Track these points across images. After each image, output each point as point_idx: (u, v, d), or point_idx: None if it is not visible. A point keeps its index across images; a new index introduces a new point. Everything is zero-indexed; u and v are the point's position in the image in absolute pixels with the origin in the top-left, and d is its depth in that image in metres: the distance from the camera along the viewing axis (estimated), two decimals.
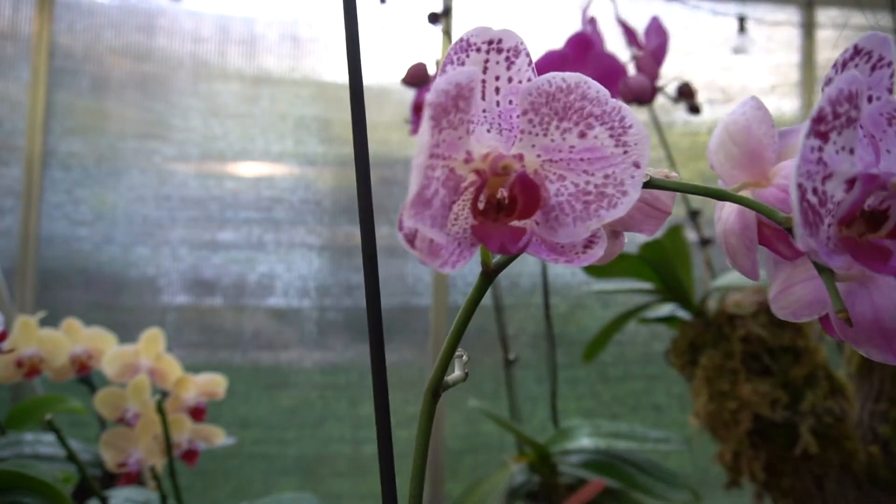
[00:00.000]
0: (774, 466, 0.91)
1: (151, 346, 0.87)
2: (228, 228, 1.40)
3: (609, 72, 0.79)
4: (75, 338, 0.87)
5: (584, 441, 1.00)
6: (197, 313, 1.39)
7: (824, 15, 1.58)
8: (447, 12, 0.83)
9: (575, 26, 0.81)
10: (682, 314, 0.99)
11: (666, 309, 1.01)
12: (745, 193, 0.32)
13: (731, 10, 1.52)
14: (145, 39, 1.40)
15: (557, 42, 0.77)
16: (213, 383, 0.88)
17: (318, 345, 1.41)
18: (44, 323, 0.87)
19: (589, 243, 0.31)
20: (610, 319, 1.08)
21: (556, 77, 0.29)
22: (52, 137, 1.34)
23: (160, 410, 0.72)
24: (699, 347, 0.96)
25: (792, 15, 1.58)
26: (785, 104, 1.59)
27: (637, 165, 0.29)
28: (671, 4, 1.51)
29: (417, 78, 0.79)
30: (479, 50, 0.30)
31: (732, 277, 1.01)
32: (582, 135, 0.30)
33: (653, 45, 0.85)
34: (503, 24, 0.30)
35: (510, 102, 0.30)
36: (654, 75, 0.85)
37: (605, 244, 0.31)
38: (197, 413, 0.84)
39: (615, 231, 0.36)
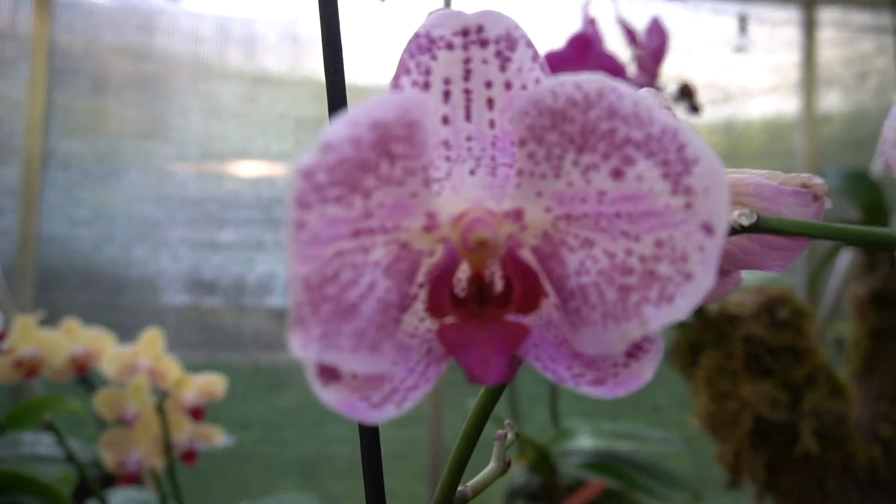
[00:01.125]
0: (775, 467, 0.90)
1: (151, 346, 0.87)
2: (228, 228, 1.40)
3: (609, 72, 0.79)
4: (75, 338, 0.87)
5: (585, 441, 1.00)
6: (197, 313, 1.38)
7: (825, 14, 1.57)
8: None
9: (575, 26, 0.80)
10: None
11: None
12: None
13: (731, 10, 1.52)
14: (145, 39, 1.40)
15: (557, 42, 0.77)
16: (212, 384, 0.87)
17: None
18: (43, 323, 0.87)
19: (635, 351, 0.19)
20: None
21: (565, 84, 0.18)
22: (52, 137, 1.34)
23: (160, 411, 0.72)
24: (700, 348, 0.96)
25: (793, 14, 1.57)
26: (785, 104, 1.59)
27: (709, 230, 0.18)
28: (671, 4, 1.51)
29: None
30: (450, 46, 0.20)
31: None
32: (617, 174, 0.19)
33: (653, 44, 0.85)
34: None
35: (511, 122, 0.20)
36: (654, 75, 0.85)
37: (658, 356, 0.19)
38: (196, 413, 0.84)
39: (724, 269, 0.25)
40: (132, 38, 1.39)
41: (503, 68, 0.20)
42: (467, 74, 0.20)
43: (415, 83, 0.20)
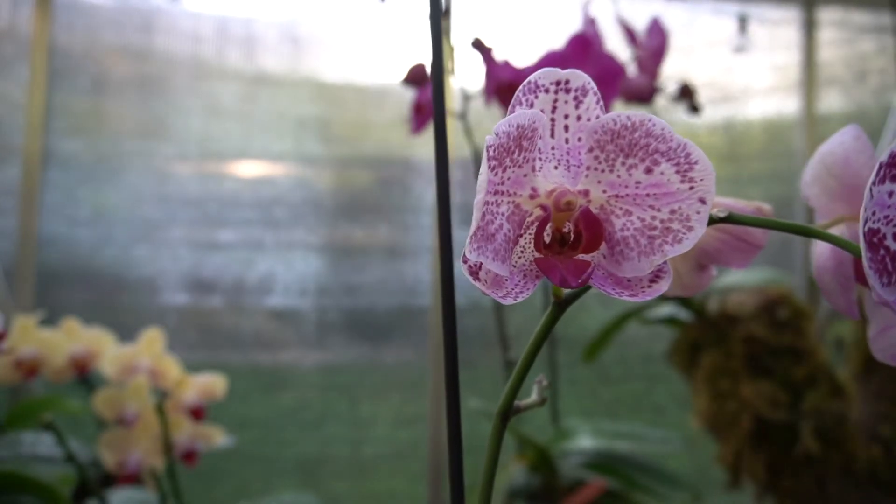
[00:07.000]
0: (775, 467, 0.90)
1: (151, 346, 0.87)
2: (228, 228, 1.40)
3: (609, 72, 0.79)
4: (74, 338, 0.87)
5: (585, 441, 1.00)
6: (196, 313, 1.38)
7: (825, 14, 1.57)
8: (447, 12, 0.83)
9: (575, 26, 0.80)
10: (683, 315, 0.99)
11: (667, 309, 1.01)
12: (840, 228, 0.30)
13: (731, 10, 1.52)
14: (144, 39, 1.40)
15: (557, 42, 0.76)
16: (212, 384, 0.87)
17: (317, 345, 1.41)
18: (43, 323, 0.87)
19: (655, 278, 0.31)
20: (610, 320, 1.08)
21: (621, 115, 0.30)
22: (52, 137, 1.34)
23: (160, 411, 0.72)
24: (700, 348, 0.96)
25: (793, 14, 1.57)
26: (785, 104, 1.59)
27: (703, 201, 0.29)
28: (671, 4, 1.51)
29: (417, 78, 0.79)
30: (546, 91, 0.31)
31: (733, 278, 1.00)
32: (648, 171, 0.30)
33: (653, 44, 0.85)
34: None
35: (579, 140, 0.31)
36: (654, 75, 0.85)
37: (670, 279, 0.31)
38: (196, 413, 0.84)
39: (701, 264, 0.35)
40: (132, 38, 1.39)
41: (577, 107, 0.31)
42: (554, 109, 0.31)
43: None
